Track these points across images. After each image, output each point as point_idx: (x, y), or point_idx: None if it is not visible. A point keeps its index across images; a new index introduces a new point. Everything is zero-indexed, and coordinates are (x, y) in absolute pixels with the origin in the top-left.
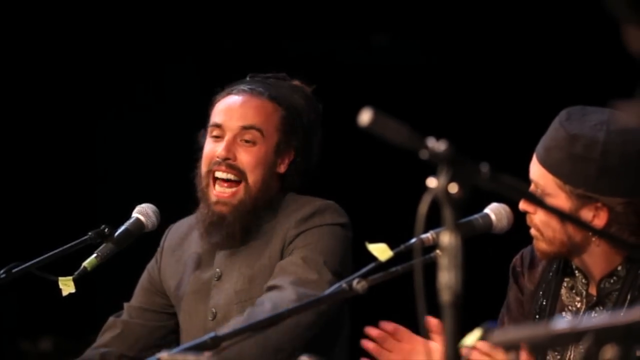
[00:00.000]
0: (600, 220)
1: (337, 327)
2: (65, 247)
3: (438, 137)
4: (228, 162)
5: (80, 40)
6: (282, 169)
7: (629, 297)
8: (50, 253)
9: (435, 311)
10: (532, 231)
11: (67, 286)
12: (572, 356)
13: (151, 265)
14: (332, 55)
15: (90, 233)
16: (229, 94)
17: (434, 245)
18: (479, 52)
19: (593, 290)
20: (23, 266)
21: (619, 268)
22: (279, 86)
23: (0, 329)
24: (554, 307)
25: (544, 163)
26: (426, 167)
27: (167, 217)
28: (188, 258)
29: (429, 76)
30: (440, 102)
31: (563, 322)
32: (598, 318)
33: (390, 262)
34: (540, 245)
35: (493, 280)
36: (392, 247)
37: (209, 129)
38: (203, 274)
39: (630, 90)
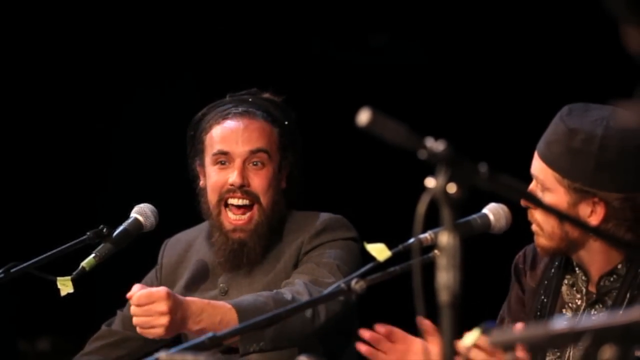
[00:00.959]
0: (597, 215)
1: (347, 329)
2: (64, 247)
3: (436, 137)
4: (243, 189)
5: (80, 42)
6: (283, 184)
7: (628, 295)
8: (49, 253)
9: (434, 311)
10: (533, 227)
11: (65, 286)
12: (571, 356)
13: (150, 278)
14: (330, 55)
15: (88, 233)
16: (224, 118)
17: (433, 245)
18: (477, 52)
19: (593, 288)
20: (21, 266)
21: (619, 266)
22: (262, 104)
23: None
24: (554, 304)
25: (544, 157)
26: (425, 167)
27: (165, 218)
28: (190, 274)
29: (427, 76)
30: (439, 102)
31: (562, 322)
32: (596, 318)
33: (388, 262)
34: (541, 241)
35: (491, 280)
36: (390, 247)
37: (213, 157)
38: (207, 290)
39: (629, 90)
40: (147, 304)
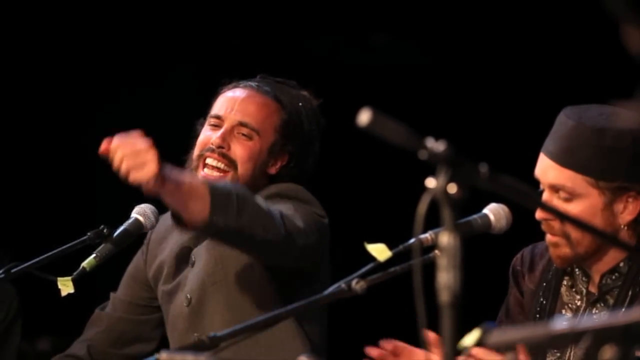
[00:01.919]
0: (631, 210)
1: (312, 272)
2: (64, 247)
3: (437, 138)
4: (221, 150)
5: (80, 40)
6: (273, 170)
7: (630, 293)
8: (50, 253)
9: (434, 311)
10: (553, 238)
11: (66, 286)
12: (572, 356)
13: (138, 256)
14: (331, 55)
15: (89, 233)
16: (235, 87)
17: (433, 246)
18: (478, 53)
19: (593, 288)
20: (22, 266)
21: (621, 264)
22: (286, 91)
23: None
24: (554, 306)
25: (569, 164)
26: (425, 167)
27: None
28: (170, 250)
29: (428, 76)
30: (440, 103)
31: (562, 323)
32: (597, 318)
33: (389, 263)
34: (563, 251)
35: (492, 280)
36: (391, 248)
37: (209, 119)
38: (182, 264)
39: (629, 90)
40: (130, 143)
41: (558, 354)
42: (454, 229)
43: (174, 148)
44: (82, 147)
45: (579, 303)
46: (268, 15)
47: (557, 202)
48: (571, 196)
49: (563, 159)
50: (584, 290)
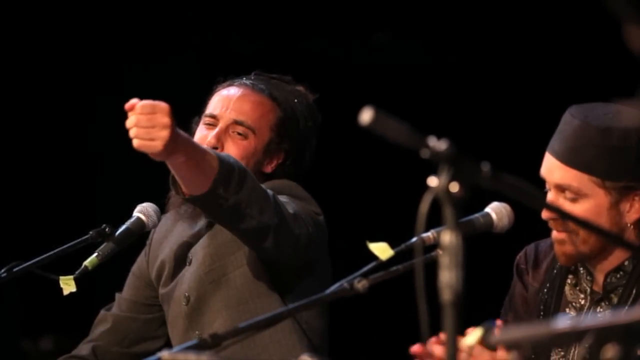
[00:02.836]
0: (637, 210)
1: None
2: (66, 246)
3: (439, 136)
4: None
5: (80, 37)
6: (268, 169)
7: (634, 292)
8: (52, 252)
9: (436, 310)
10: (559, 235)
11: (68, 285)
12: (575, 354)
13: (141, 256)
14: (332, 54)
15: (91, 232)
16: (230, 85)
17: (435, 245)
18: (480, 52)
19: (598, 287)
20: (24, 265)
21: (626, 263)
22: (281, 88)
23: (1, 328)
24: (558, 304)
25: (575, 164)
26: (427, 166)
27: None
28: (171, 249)
29: (430, 75)
30: (441, 101)
31: (564, 322)
32: (600, 317)
33: (391, 261)
34: (568, 248)
35: (494, 279)
36: (393, 246)
37: (204, 119)
38: (181, 263)
39: (632, 88)
40: (150, 114)
41: (562, 353)
42: (456, 227)
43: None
44: (83, 145)
45: (582, 302)
46: (270, 13)
47: (563, 202)
48: (577, 196)
49: (569, 159)
50: (588, 289)
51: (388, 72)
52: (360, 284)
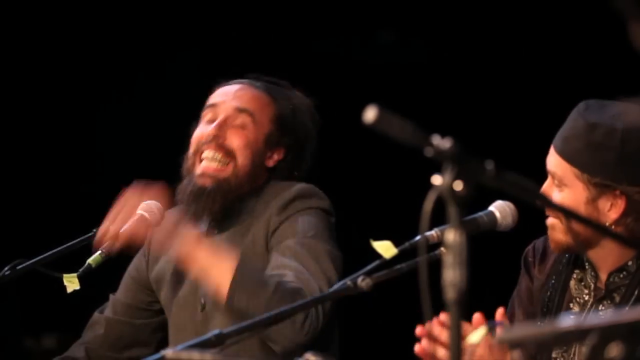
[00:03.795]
0: (617, 209)
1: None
2: (70, 244)
3: (443, 135)
4: (218, 140)
5: (83, 38)
6: (270, 162)
7: (636, 293)
8: (55, 250)
9: (440, 309)
10: (550, 220)
11: (71, 283)
12: (577, 352)
13: (139, 256)
14: (338, 52)
15: (94, 230)
16: (227, 83)
17: (439, 243)
18: (485, 50)
19: (601, 284)
20: (27, 263)
21: (630, 263)
22: (278, 89)
23: (4, 326)
24: (562, 299)
25: (562, 153)
26: (431, 164)
27: None
28: (175, 251)
29: (434, 74)
30: (446, 100)
31: (568, 320)
32: (604, 315)
33: (394, 260)
34: (557, 235)
35: (498, 277)
36: (396, 245)
37: (204, 113)
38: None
39: (637, 87)
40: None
41: (564, 349)
42: (459, 226)
43: (180, 146)
44: (86, 143)
45: (586, 297)
46: (275, 12)
47: (553, 189)
48: (560, 184)
49: (559, 147)
50: (592, 285)
51: (392, 71)
52: (364, 283)
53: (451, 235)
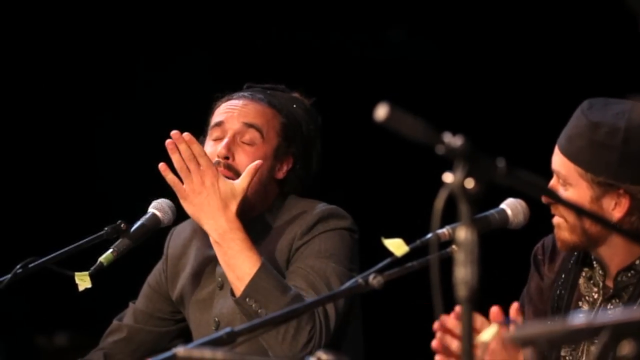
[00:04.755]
0: (621, 208)
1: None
2: (82, 242)
3: (454, 133)
4: (227, 162)
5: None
6: (280, 175)
7: None
8: (67, 248)
9: (451, 306)
10: (556, 219)
11: (83, 281)
12: (585, 349)
13: (158, 269)
14: (348, 49)
15: (106, 228)
16: (228, 99)
17: (450, 241)
18: (496, 48)
19: (610, 283)
20: (39, 261)
21: (637, 262)
22: (278, 96)
23: (16, 324)
24: (571, 297)
25: (566, 152)
26: (442, 162)
27: (182, 212)
28: (192, 267)
29: (445, 71)
30: (457, 98)
31: (580, 318)
32: (613, 313)
33: (406, 258)
34: (563, 234)
35: (509, 275)
36: (408, 243)
37: (210, 132)
38: (206, 283)
39: None
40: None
41: (572, 347)
42: (471, 224)
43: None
44: (100, 142)
45: (595, 296)
46: (284, 8)
47: (559, 187)
48: (565, 183)
49: (563, 147)
50: (601, 283)
51: (403, 68)
52: (376, 280)
53: (462, 233)
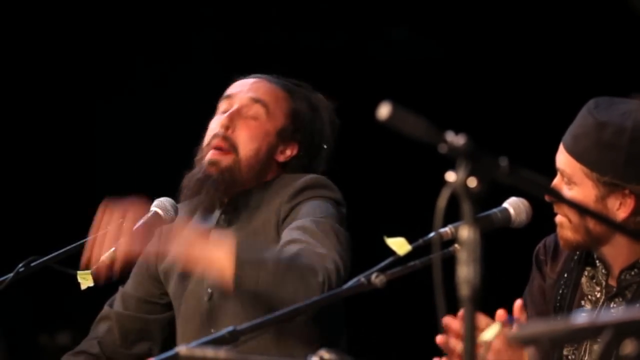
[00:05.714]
0: (626, 208)
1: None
2: (84, 240)
3: (457, 131)
4: (225, 132)
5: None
6: (281, 157)
7: None
8: (69, 247)
9: (454, 305)
10: (558, 218)
11: (85, 280)
12: (588, 348)
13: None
14: (351, 48)
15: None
16: (244, 77)
17: (453, 240)
18: (498, 46)
19: (613, 282)
20: (41, 260)
21: None
22: (297, 89)
23: (18, 323)
24: (573, 296)
25: (571, 151)
26: (445, 161)
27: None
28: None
29: (448, 70)
30: (460, 96)
31: (582, 317)
32: (616, 312)
33: (408, 256)
34: (565, 233)
35: (512, 274)
36: (410, 241)
37: (219, 105)
38: None
39: None
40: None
41: (575, 346)
42: (473, 222)
43: (193, 143)
44: (101, 140)
45: (598, 295)
46: (286, 8)
47: (563, 186)
48: (570, 182)
49: (569, 146)
50: (604, 282)
51: (406, 67)
52: (378, 279)
53: (465, 232)
